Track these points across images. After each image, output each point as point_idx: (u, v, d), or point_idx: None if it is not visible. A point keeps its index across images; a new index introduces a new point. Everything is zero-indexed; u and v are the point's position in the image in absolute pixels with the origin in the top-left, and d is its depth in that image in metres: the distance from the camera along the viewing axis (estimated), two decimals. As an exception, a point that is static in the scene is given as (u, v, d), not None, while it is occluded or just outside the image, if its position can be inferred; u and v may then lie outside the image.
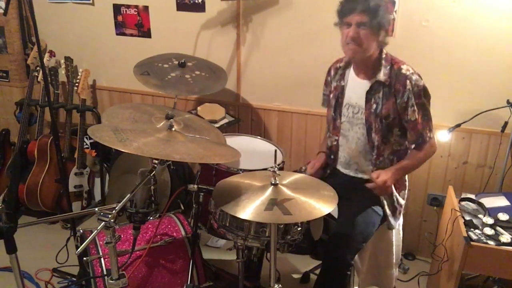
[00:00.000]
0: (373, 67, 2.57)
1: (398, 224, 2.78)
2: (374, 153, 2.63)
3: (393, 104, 2.54)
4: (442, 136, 3.19)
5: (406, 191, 2.80)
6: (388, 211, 2.65)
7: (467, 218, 2.72)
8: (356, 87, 2.65)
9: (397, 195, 2.70)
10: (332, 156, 2.84)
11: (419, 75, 2.53)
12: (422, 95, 2.52)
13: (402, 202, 2.75)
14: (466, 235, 2.54)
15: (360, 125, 2.65)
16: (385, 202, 2.65)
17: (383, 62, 2.55)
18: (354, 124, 2.68)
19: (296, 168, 3.03)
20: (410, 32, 3.17)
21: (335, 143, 2.79)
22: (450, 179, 3.42)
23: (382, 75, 2.53)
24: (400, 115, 2.55)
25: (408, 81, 2.49)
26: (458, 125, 3.12)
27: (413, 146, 2.62)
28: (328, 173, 2.88)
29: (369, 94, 2.58)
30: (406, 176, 2.79)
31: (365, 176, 2.66)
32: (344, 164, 2.79)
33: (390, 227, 2.69)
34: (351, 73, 2.70)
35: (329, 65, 2.87)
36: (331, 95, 2.78)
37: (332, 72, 2.81)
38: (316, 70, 2.93)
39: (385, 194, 2.61)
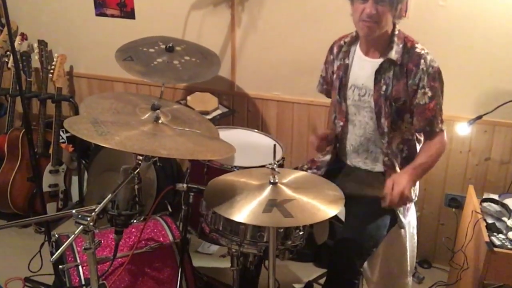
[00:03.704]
0: (385, 44, 2.56)
1: (412, 227, 2.77)
2: (384, 140, 2.62)
3: (404, 85, 2.52)
4: (461, 129, 3.18)
5: (417, 186, 2.79)
6: (398, 210, 2.63)
7: (490, 221, 2.72)
8: (363, 67, 2.63)
9: (414, 189, 2.70)
10: (338, 144, 2.83)
11: (432, 56, 2.53)
12: (437, 78, 2.51)
13: (414, 198, 2.74)
14: (488, 240, 2.54)
15: (368, 108, 2.63)
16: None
17: (395, 39, 2.54)
18: (361, 107, 2.67)
19: (297, 164, 3.03)
20: (426, 12, 3.16)
21: (339, 129, 2.78)
22: (471, 178, 3.43)
23: (394, 53, 2.52)
24: (409, 98, 2.55)
25: (422, 61, 2.48)
26: (480, 117, 3.12)
27: (420, 136, 2.61)
28: (331, 161, 2.87)
29: (379, 74, 2.56)
30: None
31: (376, 169, 2.69)
32: (351, 153, 2.77)
33: (401, 225, 2.68)
34: (357, 51, 2.68)
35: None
36: (335, 76, 2.77)
37: (335, 50, 2.79)
38: (320, 55, 2.92)
39: (404, 205, 2.57)
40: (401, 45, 2.53)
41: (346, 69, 2.70)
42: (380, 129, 2.62)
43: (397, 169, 2.64)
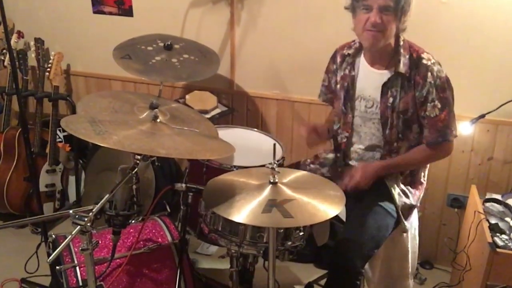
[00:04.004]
0: (391, 56, 2.55)
1: (414, 228, 2.78)
2: (385, 149, 2.64)
3: (412, 97, 2.53)
4: (463, 128, 3.18)
5: (422, 193, 2.79)
6: (402, 214, 2.64)
7: (493, 221, 2.72)
8: (370, 78, 2.64)
9: (415, 192, 2.72)
10: (339, 154, 2.84)
11: (439, 65, 2.52)
12: (446, 87, 2.51)
13: (418, 204, 2.75)
14: (491, 240, 2.54)
15: (375, 120, 2.64)
16: (397, 200, 2.64)
17: (402, 50, 2.54)
18: (367, 119, 2.67)
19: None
20: (427, 10, 3.15)
21: (344, 140, 2.78)
22: (473, 177, 3.42)
23: (402, 66, 2.52)
24: (417, 110, 2.55)
25: (429, 73, 2.48)
26: (482, 116, 3.12)
27: (427, 144, 2.61)
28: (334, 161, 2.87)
29: (386, 87, 2.57)
30: (423, 179, 2.79)
31: None
32: (356, 162, 2.78)
33: (404, 230, 2.68)
34: (362, 62, 2.68)
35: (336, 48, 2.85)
36: (338, 86, 2.77)
37: (339, 59, 2.79)
38: (321, 53, 2.92)
39: (358, 187, 2.57)
40: (407, 56, 2.53)
41: (352, 80, 2.70)
42: (384, 139, 2.63)
43: (399, 177, 2.68)
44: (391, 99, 2.56)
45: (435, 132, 2.55)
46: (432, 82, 2.48)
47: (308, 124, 2.76)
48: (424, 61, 2.51)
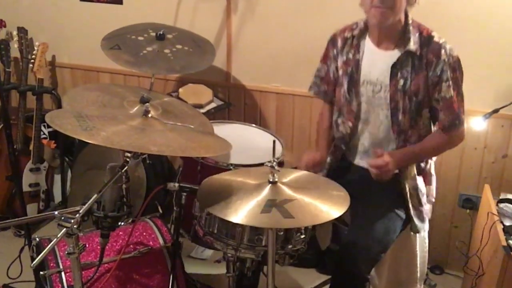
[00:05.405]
0: (399, 35, 2.54)
1: (423, 230, 2.77)
2: (400, 139, 2.61)
3: (424, 78, 2.52)
4: (476, 124, 3.18)
5: (434, 186, 2.78)
6: (412, 211, 2.63)
7: (507, 223, 2.72)
8: (376, 60, 2.62)
9: (429, 189, 2.72)
10: (343, 146, 2.82)
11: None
12: (457, 67, 2.51)
13: (432, 199, 2.74)
14: (505, 244, 2.54)
15: (383, 105, 2.62)
16: (410, 201, 2.62)
17: (411, 28, 2.53)
18: (375, 105, 2.65)
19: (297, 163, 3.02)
20: (438, -2, 3.16)
21: (349, 131, 2.77)
22: (486, 176, 3.43)
23: (412, 44, 2.51)
24: (429, 91, 2.54)
25: (442, 51, 2.48)
26: (496, 111, 3.11)
27: (443, 128, 2.59)
28: (336, 166, 2.86)
29: (395, 68, 2.55)
30: (433, 171, 2.78)
31: None
32: (362, 154, 2.76)
33: (414, 230, 2.67)
34: (367, 44, 2.66)
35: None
36: (340, 72, 2.75)
37: (339, 43, 2.76)
38: (323, 44, 2.90)
39: (381, 179, 2.54)
40: (417, 34, 2.53)
41: (357, 64, 2.67)
42: (396, 127, 2.61)
43: (413, 169, 2.65)
44: (401, 81, 2.54)
45: (451, 115, 2.54)
46: (446, 60, 2.48)
47: (306, 162, 2.72)
48: (436, 39, 2.51)
